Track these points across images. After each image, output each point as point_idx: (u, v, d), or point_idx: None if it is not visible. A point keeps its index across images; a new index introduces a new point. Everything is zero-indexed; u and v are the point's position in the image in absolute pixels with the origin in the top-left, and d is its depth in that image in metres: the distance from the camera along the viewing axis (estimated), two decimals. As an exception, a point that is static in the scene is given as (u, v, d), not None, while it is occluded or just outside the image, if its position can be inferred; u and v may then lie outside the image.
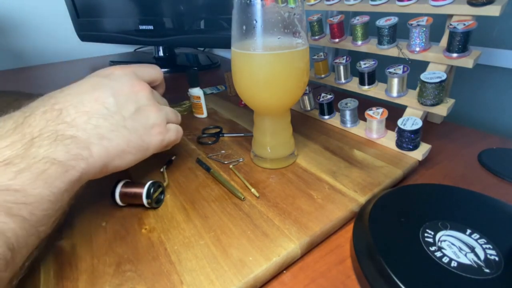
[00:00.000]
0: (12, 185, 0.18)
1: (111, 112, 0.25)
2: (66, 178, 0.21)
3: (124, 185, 0.29)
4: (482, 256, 0.22)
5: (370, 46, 0.43)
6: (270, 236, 0.25)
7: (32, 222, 0.19)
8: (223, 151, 0.40)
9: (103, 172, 0.25)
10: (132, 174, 0.35)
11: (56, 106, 0.23)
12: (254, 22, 0.28)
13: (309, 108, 0.50)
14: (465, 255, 0.22)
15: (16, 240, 0.17)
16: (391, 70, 0.39)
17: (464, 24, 0.33)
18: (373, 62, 0.41)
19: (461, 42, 0.34)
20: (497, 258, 0.21)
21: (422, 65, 0.38)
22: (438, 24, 0.39)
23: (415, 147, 0.36)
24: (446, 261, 0.21)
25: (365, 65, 0.41)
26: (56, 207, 0.21)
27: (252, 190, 0.31)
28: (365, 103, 0.44)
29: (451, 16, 0.37)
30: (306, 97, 0.49)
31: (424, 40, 0.37)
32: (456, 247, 0.22)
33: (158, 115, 0.29)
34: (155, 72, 0.33)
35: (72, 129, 0.23)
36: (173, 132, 0.31)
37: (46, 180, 0.20)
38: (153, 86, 0.33)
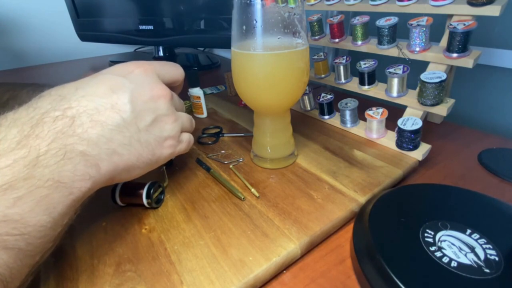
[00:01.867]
0: (10, 215, 0.16)
1: (127, 122, 0.23)
2: (68, 201, 0.19)
3: (124, 185, 0.29)
4: (482, 256, 0.22)
5: (370, 46, 0.43)
6: (270, 236, 0.25)
7: (28, 252, 0.17)
8: (223, 151, 0.40)
9: (105, 185, 0.24)
10: (132, 174, 0.35)
11: (69, 112, 0.20)
12: (254, 22, 0.28)
13: (309, 108, 0.50)
14: (465, 255, 0.22)
15: (10, 273, 0.16)
16: (391, 70, 0.39)
17: (464, 24, 0.33)
18: (373, 62, 0.41)
19: (461, 42, 0.34)
20: (497, 258, 0.21)
21: (422, 65, 0.38)
22: (438, 24, 0.39)
23: (415, 147, 0.36)
24: (446, 261, 0.21)
25: (365, 65, 0.41)
26: (55, 233, 0.19)
27: (252, 190, 0.31)
28: (365, 103, 0.44)
29: (451, 16, 0.37)
30: (306, 97, 0.49)
31: (424, 40, 0.37)
32: (456, 247, 0.22)
33: (174, 127, 0.27)
34: (178, 73, 0.30)
35: (83, 143, 0.20)
36: (185, 144, 0.29)
37: (48, 206, 0.18)
38: (172, 86, 0.31)
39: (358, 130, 0.42)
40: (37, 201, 0.17)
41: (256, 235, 0.26)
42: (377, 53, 0.42)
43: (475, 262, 0.21)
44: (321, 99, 0.45)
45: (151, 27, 0.81)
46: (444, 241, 0.23)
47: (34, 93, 0.22)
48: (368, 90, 0.43)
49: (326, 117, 0.46)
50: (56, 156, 0.19)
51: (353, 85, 0.45)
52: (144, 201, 0.28)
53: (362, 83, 0.43)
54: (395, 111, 0.43)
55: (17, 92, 0.40)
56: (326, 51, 0.65)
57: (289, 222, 0.27)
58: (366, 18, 0.42)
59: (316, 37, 0.50)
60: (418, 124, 0.35)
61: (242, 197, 0.30)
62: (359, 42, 0.44)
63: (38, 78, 0.86)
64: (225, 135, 0.44)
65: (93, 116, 0.21)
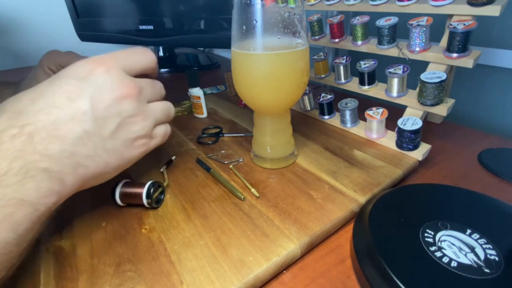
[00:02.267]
0: None
1: (89, 133, 0.22)
2: (34, 217, 0.19)
3: (124, 185, 0.29)
4: (482, 256, 0.22)
5: (370, 46, 0.43)
6: (270, 236, 0.25)
7: None
8: (223, 151, 0.40)
9: (74, 192, 0.23)
10: (132, 174, 0.35)
11: (27, 129, 0.19)
12: (254, 22, 0.28)
13: (309, 108, 0.50)
14: (465, 255, 0.22)
15: None
16: (391, 70, 0.39)
17: (464, 24, 0.33)
18: (373, 62, 0.41)
19: (461, 42, 0.34)
20: (497, 258, 0.21)
21: (422, 65, 0.38)
22: (438, 24, 0.39)
23: (415, 147, 0.36)
24: (446, 261, 0.21)
25: (365, 65, 0.41)
26: (20, 249, 0.19)
27: (252, 190, 0.31)
28: (365, 103, 0.44)
29: (451, 16, 0.37)
30: (306, 97, 0.49)
31: (424, 40, 0.37)
32: (456, 247, 0.22)
33: (144, 126, 0.25)
34: (149, 60, 0.27)
35: (44, 160, 0.20)
36: (159, 138, 0.28)
37: (12, 224, 0.18)
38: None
39: (358, 130, 0.42)
40: (1, 219, 0.17)
41: (256, 235, 0.26)
42: (377, 53, 0.42)
43: (475, 262, 0.21)
44: (321, 99, 0.45)
45: (151, 27, 0.81)
46: (444, 241, 0.23)
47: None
48: (368, 90, 0.43)
49: (326, 117, 0.46)
50: (17, 175, 0.18)
51: (353, 85, 0.45)
52: (144, 201, 0.28)
53: (362, 83, 0.43)
54: (395, 111, 0.43)
55: (1, 91, 0.40)
56: (326, 51, 0.65)
57: (289, 222, 0.27)
58: (366, 18, 0.42)
59: (316, 37, 0.50)
60: (418, 124, 0.35)
61: (242, 197, 0.30)
62: (359, 42, 0.44)
63: (38, 78, 0.86)
64: (225, 135, 0.44)
65: (52, 131, 0.20)
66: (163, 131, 0.28)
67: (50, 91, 0.21)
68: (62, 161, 0.20)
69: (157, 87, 0.28)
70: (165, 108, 0.28)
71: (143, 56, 0.27)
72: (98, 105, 0.22)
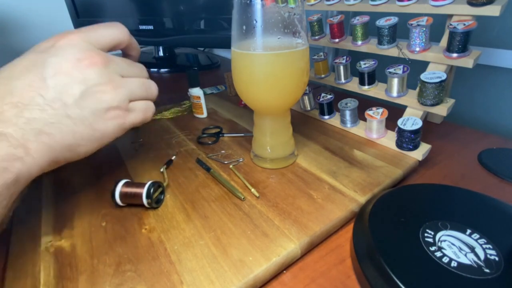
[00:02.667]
0: None
1: (48, 100, 0.21)
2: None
3: (124, 185, 0.29)
4: (482, 256, 0.22)
5: (370, 46, 0.43)
6: (270, 236, 0.25)
7: None
8: (223, 151, 0.40)
9: (53, 166, 0.23)
10: (132, 174, 0.35)
11: None
12: (254, 22, 0.28)
13: (309, 108, 0.50)
14: (465, 255, 0.22)
15: None
16: (391, 70, 0.39)
17: (464, 24, 0.33)
18: (373, 62, 0.41)
19: (461, 42, 0.34)
20: (497, 258, 0.21)
21: (422, 65, 0.38)
22: (438, 24, 0.39)
23: (415, 147, 0.36)
24: (446, 261, 0.21)
25: (365, 65, 0.41)
26: None
27: (252, 190, 0.31)
28: (365, 103, 0.44)
29: (451, 16, 0.37)
30: (306, 97, 0.49)
31: (424, 40, 0.37)
32: (456, 247, 0.22)
33: (114, 96, 0.24)
34: (117, 32, 0.25)
35: (1, 126, 0.19)
36: (139, 113, 0.26)
37: None
38: (128, 54, 0.27)
39: (358, 130, 0.42)
40: None
41: (256, 235, 0.26)
42: (377, 53, 0.42)
43: (475, 262, 0.21)
44: (321, 99, 0.45)
45: (151, 27, 0.81)
46: (444, 241, 0.23)
47: None
48: (368, 90, 0.43)
49: (326, 117, 0.46)
50: None
51: (353, 85, 0.45)
52: (144, 201, 0.28)
53: (362, 83, 0.43)
54: (395, 111, 0.43)
55: None
56: (326, 51, 0.65)
57: (289, 222, 0.27)
58: (366, 18, 0.42)
59: (316, 37, 0.50)
60: (418, 124, 0.35)
61: (242, 197, 0.30)
62: (359, 42, 0.44)
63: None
64: (225, 135, 0.44)
65: (5, 99, 0.20)
66: (142, 105, 0.27)
67: (10, 64, 0.22)
68: (21, 127, 0.20)
69: (136, 66, 0.27)
70: (143, 83, 0.27)
71: (112, 28, 0.25)
72: (58, 73, 0.22)
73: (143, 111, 0.26)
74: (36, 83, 0.21)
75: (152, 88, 0.28)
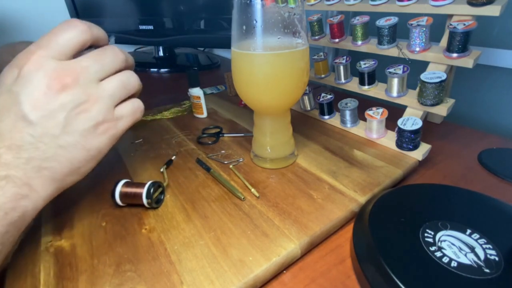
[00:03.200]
0: None
1: (37, 136, 0.21)
2: (5, 221, 0.19)
3: (124, 185, 0.29)
4: (482, 256, 0.22)
5: (370, 46, 0.43)
6: (270, 236, 0.25)
7: None
8: (223, 151, 0.40)
9: (59, 192, 0.23)
10: (132, 174, 0.35)
11: None
12: (254, 22, 0.28)
13: (309, 108, 0.50)
14: (465, 255, 0.22)
15: None
16: (391, 70, 0.39)
17: (464, 24, 0.33)
18: (373, 62, 0.41)
19: (461, 42, 0.34)
20: (497, 258, 0.21)
21: (422, 65, 0.38)
22: (438, 24, 0.39)
23: (415, 147, 0.36)
24: (446, 261, 0.21)
25: (365, 65, 0.41)
26: (1, 253, 0.20)
27: (252, 190, 0.31)
28: (365, 103, 0.44)
29: (451, 16, 0.37)
30: (306, 97, 0.49)
31: (424, 40, 0.37)
32: (456, 247, 0.22)
33: (98, 110, 0.23)
34: (78, 34, 0.23)
35: (3, 169, 0.20)
36: (128, 117, 0.25)
37: None
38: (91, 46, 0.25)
39: (358, 130, 0.42)
40: None
41: (256, 235, 0.26)
42: (377, 53, 0.42)
43: (475, 262, 0.21)
44: (321, 99, 0.45)
45: (151, 27, 0.81)
46: (444, 241, 0.23)
47: None
48: (368, 90, 0.43)
49: (326, 117, 0.46)
50: None
51: (353, 85, 0.45)
52: (144, 201, 0.28)
53: (362, 83, 0.43)
54: (395, 111, 0.43)
55: None
56: (326, 51, 0.65)
57: (289, 222, 0.27)
58: (366, 18, 0.42)
59: (316, 37, 0.50)
60: (418, 124, 0.35)
61: (242, 197, 0.30)
62: (359, 42, 0.44)
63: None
64: (225, 135, 0.44)
65: (2, 143, 0.20)
66: (129, 108, 0.25)
67: None
68: (22, 167, 0.20)
69: (107, 56, 0.24)
70: (122, 80, 0.25)
71: (72, 31, 0.23)
72: (35, 106, 0.21)
73: (131, 114, 0.25)
74: (19, 123, 0.21)
75: (132, 81, 0.25)
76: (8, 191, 0.20)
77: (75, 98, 0.22)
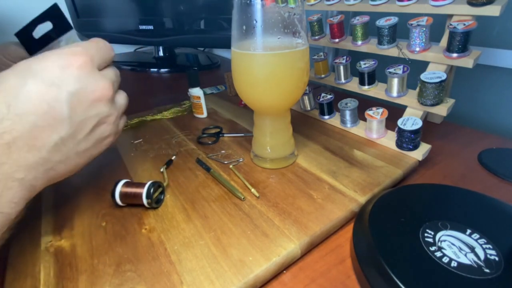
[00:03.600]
0: None
1: (65, 139, 0.21)
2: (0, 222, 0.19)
3: (124, 185, 0.29)
4: (482, 256, 0.22)
5: (370, 46, 0.43)
6: (270, 236, 0.25)
7: None
8: (223, 151, 0.40)
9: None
10: (132, 174, 0.35)
11: (5, 138, 0.19)
12: (254, 22, 0.28)
13: (309, 108, 0.50)
14: (465, 255, 0.22)
15: None
16: (391, 70, 0.39)
17: (464, 24, 0.33)
18: (373, 62, 0.41)
19: (461, 42, 0.34)
20: (497, 258, 0.21)
21: (422, 65, 0.38)
22: (438, 24, 0.39)
23: (415, 147, 0.36)
24: (446, 261, 0.21)
25: (365, 65, 0.41)
26: None
27: (252, 190, 0.31)
28: (365, 103, 0.44)
29: (451, 16, 0.37)
30: (306, 97, 0.49)
31: (424, 40, 0.37)
32: (456, 247, 0.22)
33: (115, 123, 0.25)
34: (112, 52, 0.26)
35: (21, 171, 0.20)
36: (119, 132, 0.27)
37: None
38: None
39: (358, 130, 0.42)
40: None
41: (256, 235, 0.26)
42: (377, 53, 0.42)
43: (475, 262, 0.21)
44: (321, 99, 0.45)
45: (151, 27, 0.81)
46: (444, 241, 0.23)
47: None
48: (368, 90, 0.43)
49: (326, 117, 0.46)
50: None
51: (353, 85, 0.45)
52: (144, 201, 0.28)
53: (362, 83, 0.43)
54: (395, 111, 0.43)
55: None
56: (326, 51, 0.65)
57: (289, 222, 0.27)
58: (366, 18, 0.42)
59: (316, 37, 0.50)
60: (418, 124, 0.35)
61: (242, 197, 0.30)
62: (359, 42, 0.44)
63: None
64: (225, 135, 0.44)
65: (29, 141, 0.20)
66: (122, 124, 0.28)
67: (24, 94, 0.20)
68: (36, 169, 0.21)
69: (117, 72, 0.27)
70: (126, 100, 0.28)
71: (109, 49, 0.26)
72: (76, 108, 0.21)
73: (122, 126, 0.28)
74: (56, 122, 0.21)
75: (127, 102, 0.28)
76: (16, 196, 0.20)
77: (107, 109, 0.24)
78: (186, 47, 1.13)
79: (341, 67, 0.45)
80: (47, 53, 0.22)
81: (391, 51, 0.41)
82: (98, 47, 0.24)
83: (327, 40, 0.48)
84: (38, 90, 0.20)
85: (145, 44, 0.98)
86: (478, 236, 0.23)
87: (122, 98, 0.27)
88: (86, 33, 0.92)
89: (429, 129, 0.46)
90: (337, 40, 0.46)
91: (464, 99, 0.52)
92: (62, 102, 0.21)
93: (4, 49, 0.40)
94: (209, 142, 0.42)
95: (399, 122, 0.36)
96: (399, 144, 0.37)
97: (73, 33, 0.40)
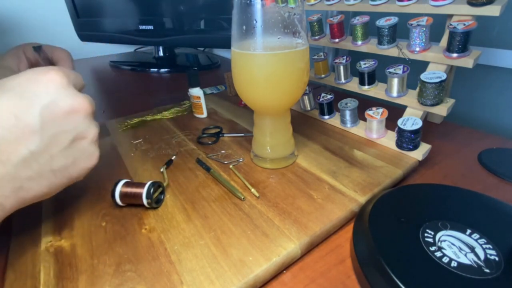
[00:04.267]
0: None
1: (36, 154, 0.20)
2: None
3: (124, 185, 0.29)
4: (482, 256, 0.22)
5: (370, 46, 0.43)
6: (270, 236, 0.25)
7: None
8: (223, 151, 0.40)
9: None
10: (132, 174, 0.35)
11: None
12: (254, 22, 0.28)
13: (309, 108, 0.50)
14: (465, 255, 0.22)
15: None
16: (391, 70, 0.39)
17: (464, 24, 0.33)
18: (373, 62, 0.41)
19: (461, 42, 0.34)
20: (497, 258, 0.21)
21: (422, 65, 0.38)
22: (438, 24, 0.39)
23: (415, 147, 0.36)
24: (446, 261, 0.21)
25: (365, 65, 0.41)
26: None
27: (252, 190, 0.31)
28: (365, 103, 0.44)
29: (451, 16, 0.37)
30: (306, 97, 0.49)
31: (424, 40, 0.37)
32: (456, 247, 0.22)
33: (96, 141, 0.24)
34: (82, 80, 0.26)
35: None
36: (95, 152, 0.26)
37: None
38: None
39: (358, 130, 0.42)
40: None
41: (256, 235, 0.26)
42: (377, 53, 0.42)
43: (475, 262, 0.21)
44: (321, 99, 0.45)
45: (151, 27, 0.81)
46: (444, 241, 0.23)
47: None
48: (368, 90, 0.43)
49: (326, 117, 0.46)
50: None
51: (353, 85, 0.45)
52: (144, 201, 0.28)
53: (362, 83, 0.43)
54: (395, 111, 0.43)
55: None
56: (326, 51, 0.65)
57: (289, 222, 0.27)
58: (366, 18, 0.42)
59: (316, 37, 0.50)
60: (418, 124, 0.35)
61: (242, 197, 0.30)
62: (359, 42, 0.44)
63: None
64: (225, 135, 0.44)
65: None
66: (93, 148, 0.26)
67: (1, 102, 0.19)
68: (3, 185, 0.19)
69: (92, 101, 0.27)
70: (98, 129, 0.27)
71: (80, 78, 0.26)
72: (48, 121, 0.20)
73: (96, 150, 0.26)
74: (25, 135, 0.20)
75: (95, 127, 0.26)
76: None
77: (85, 125, 0.23)
78: (186, 47, 1.13)
79: (341, 67, 0.45)
80: (27, 70, 0.22)
81: (391, 51, 0.41)
82: (74, 73, 0.24)
83: (327, 40, 0.48)
84: (8, 104, 0.20)
85: (145, 44, 0.98)
86: (478, 236, 0.23)
87: (96, 126, 0.26)
88: (86, 33, 0.92)
89: (429, 129, 0.46)
90: (337, 40, 0.46)
91: (464, 99, 0.52)
92: (32, 115, 0.20)
93: (18, 51, 0.41)
94: (209, 142, 0.42)
95: (399, 122, 0.36)
96: (399, 144, 0.37)
97: None
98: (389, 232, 0.24)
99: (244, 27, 0.29)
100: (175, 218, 0.28)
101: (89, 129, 0.23)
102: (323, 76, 0.49)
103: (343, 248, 0.26)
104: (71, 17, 0.91)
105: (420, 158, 0.36)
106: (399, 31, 0.40)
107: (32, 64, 0.42)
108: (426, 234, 0.24)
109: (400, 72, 0.38)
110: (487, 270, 0.21)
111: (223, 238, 0.25)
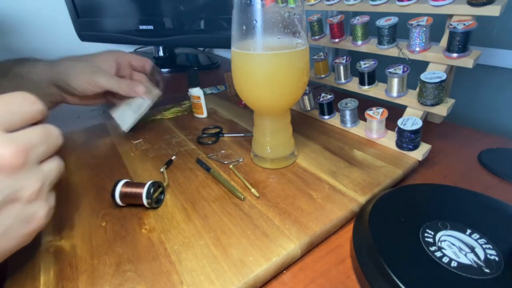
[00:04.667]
0: None
1: None
2: None
3: (124, 185, 0.29)
4: (482, 256, 0.22)
5: (370, 46, 0.43)
6: (270, 236, 0.25)
7: None
8: (223, 151, 0.40)
9: None
10: (132, 174, 0.35)
11: None
12: (254, 22, 0.28)
13: (309, 108, 0.50)
14: (465, 255, 0.22)
15: None
16: (391, 70, 0.39)
17: (464, 24, 0.33)
18: (373, 62, 0.41)
19: (461, 42, 0.34)
20: (497, 258, 0.21)
21: (422, 65, 0.38)
22: (438, 24, 0.39)
23: (415, 147, 0.36)
24: (446, 261, 0.21)
25: (365, 65, 0.41)
26: None
27: (252, 190, 0.31)
28: (365, 103, 0.44)
29: (451, 16, 0.37)
30: (306, 97, 0.49)
31: (424, 40, 0.37)
32: (456, 247, 0.22)
33: (41, 200, 0.19)
34: (33, 109, 0.20)
35: None
36: (52, 201, 0.21)
37: None
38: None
39: (358, 130, 0.42)
40: None
41: (256, 235, 0.26)
42: (377, 53, 0.42)
43: (475, 262, 0.21)
44: (321, 99, 0.45)
45: (151, 27, 0.81)
46: (444, 241, 0.23)
47: None
48: (368, 90, 0.43)
49: (326, 117, 0.46)
50: None
51: (353, 85, 0.45)
52: (144, 201, 0.28)
53: (362, 83, 0.43)
54: (395, 111, 0.43)
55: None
56: (326, 51, 0.65)
57: (289, 222, 0.27)
58: (366, 18, 0.42)
59: (316, 37, 0.50)
60: (418, 124, 0.35)
61: (242, 197, 0.30)
62: (359, 42, 0.44)
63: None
64: (225, 135, 0.44)
65: None
66: (52, 200, 0.22)
67: None
68: None
69: (53, 135, 0.21)
70: (60, 166, 0.22)
71: (27, 106, 0.19)
72: None
73: (52, 203, 0.21)
74: None
75: (62, 169, 0.22)
76: None
77: (11, 184, 0.18)
78: (186, 47, 1.13)
79: (341, 67, 0.45)
80: None
81: (391, 51, 0.41)
82: (4, 104, 0.19)
83: (327, 40, 0.48)
84: None
85: (145, 44, 0.98)
86: (478, 236, 0.23)
87: (51, 165, 0.21)
88: (86, 33, 0.92)
89: (429, 129, 0.46)
90: (337, 40, 0.46)
91: (464, 99, 0.52)
92: None
93: (121, 56, 0.47)
94: (209, 142, 0.42)
95: (399, 122, 0.36)
96: (399, 144, 0.37)
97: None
98: (389, 232, 0.24)
99: (244, 27, 0.29)
100: (175, 218, 0.28)
101: (23, 187, 0.18)
102: (323, 76, 0.49)
103: (343, 248, 0.26)
104: (71, 17, 0.91)
105: (420, 158, 0.36)
106: (399, 31, 0.40)
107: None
108: (426, 234, 0.24)
109: (400, 72, 0.38)
110: (487, 270, 0.21)
111: (223, 238, 0.25)
